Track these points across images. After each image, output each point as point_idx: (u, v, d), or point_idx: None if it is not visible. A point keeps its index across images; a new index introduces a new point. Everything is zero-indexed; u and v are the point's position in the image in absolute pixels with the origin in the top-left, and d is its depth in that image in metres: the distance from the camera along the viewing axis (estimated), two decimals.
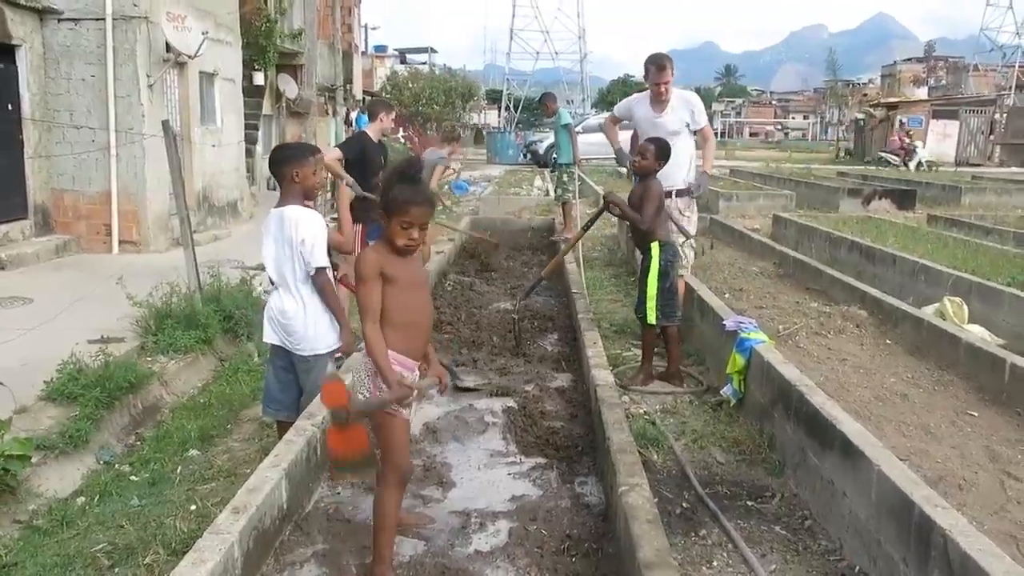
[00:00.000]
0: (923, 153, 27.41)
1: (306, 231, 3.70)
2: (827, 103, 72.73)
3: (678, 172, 5.77)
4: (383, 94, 35.10)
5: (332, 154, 6.33)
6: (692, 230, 5.92)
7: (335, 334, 3.87)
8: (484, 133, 42.48)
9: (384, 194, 2.81)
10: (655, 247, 5.02)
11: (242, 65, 13.46)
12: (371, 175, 6.64)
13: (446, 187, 18.18)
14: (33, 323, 6.12)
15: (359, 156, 6.42)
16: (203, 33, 10.66)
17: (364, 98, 28.72)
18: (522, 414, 4.55)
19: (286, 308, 3.77)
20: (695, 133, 5.99)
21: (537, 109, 56.28)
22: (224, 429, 4.91)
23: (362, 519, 3.39)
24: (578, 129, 11.58)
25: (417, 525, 3.32)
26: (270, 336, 3.87)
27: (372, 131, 6.69)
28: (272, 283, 3.92)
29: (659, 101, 5.83)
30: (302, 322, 3.77)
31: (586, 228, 5.91)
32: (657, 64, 5.69)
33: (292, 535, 3.22)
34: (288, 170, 3.76)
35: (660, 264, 5.01)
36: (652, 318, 5.03)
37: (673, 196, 5.72)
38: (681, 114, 5.83)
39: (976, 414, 4.36)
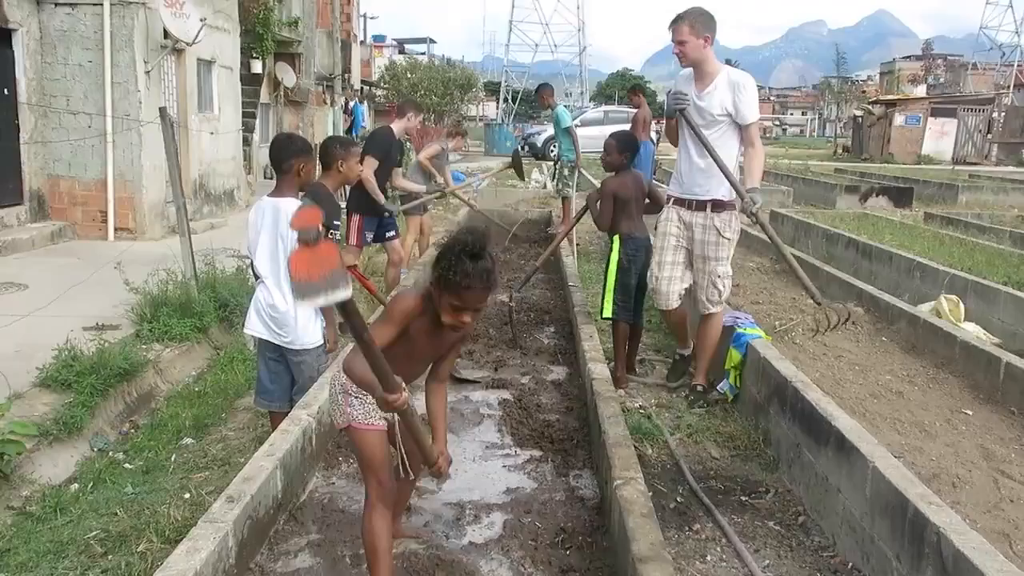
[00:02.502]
0: None
1: None
2: (825, 99, 72.80)
3: (715, 177, 4.46)
4: (381, 84, 35.04)
5: (369, 165, 6.24)
6: (727, 253, 4.61)
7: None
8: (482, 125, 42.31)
9: (439, 263, 2.40)
10: (616, 240, 5.00)
11: (240, 53, 13.39)
12: (387, 171, 6.70)
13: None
14: (27, 309, 6.09)
15: (387, 154, 6.49)
16: (201, 20, 10.60)
17: (362, 88, 28.64)
18: (518, 406, 4.55)
19: (276, 302, 3.74)
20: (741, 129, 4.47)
21: (534, 102, 56.33)
22: (219, 418, 4.90)
23: (356, 509, 3.38)
24: (576, 122, 11.56)
25: (415, 538, 3.14)
26: (257, 329, 3.84)
27: (397, 127, 6.75)
28: (256, 276, 3.89)
29: (700, 77, 4.46)
30: (292, 316, 3.76)
31: (576, 220, 5.88)
32: (674, 19, 4.40)
33: (286, 525, 3.22)
34: (296, 162, 3.74)
35: (619, 257, 4.96)
36: (607, 311, 5.02)
37: (708, 210, 4.50)
38: (723, 98, 4.39)
39: (971, 412, 4.37)
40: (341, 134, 20.40)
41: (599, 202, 5.06)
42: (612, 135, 5.15)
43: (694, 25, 4.30)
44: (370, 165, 6.27)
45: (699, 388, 4.74)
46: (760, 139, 4.61)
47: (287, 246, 3.68)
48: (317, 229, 2.07)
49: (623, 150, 5.02)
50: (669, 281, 4.70)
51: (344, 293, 1.98)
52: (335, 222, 4.21)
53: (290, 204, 3.69)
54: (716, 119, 4.41)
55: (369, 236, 6.63)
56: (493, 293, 2.44)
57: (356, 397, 2.62)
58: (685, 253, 4.67)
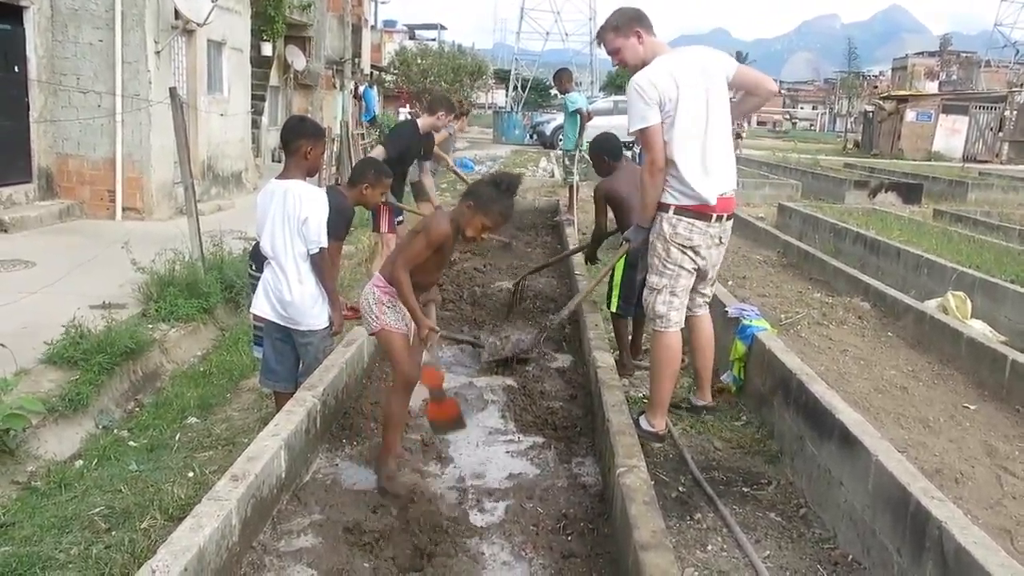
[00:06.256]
0: None
1: (309, 209, 3.67)
2: (837, 94, 72.44)
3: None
4: (391, 69, 34.95)
5: (376, 153, 6.29)
6: (651, 260, 3.97)
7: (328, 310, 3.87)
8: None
9: (481, 192, 3.29)
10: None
11: (250, 35, 13.37)
12: (406, 164, 6.64)
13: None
14: (35, 287, 6.12)
15: (401, 155, 6.39)
16: (212, 1, 10.58)
17: (372, 72, 28.58)
18: (522, 393, 4.56)
19: (282, 283, 3.74)
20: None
21: (544, 91, 56.09)
22: (223, 398, 4.93)
23: (359, 490, 3.40)
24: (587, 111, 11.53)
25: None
26: (264, 310, 3.83)
27: (423, 123, 6.68)
28: (254, 261, 3.89)
29: None
30: (300, 298, 3.75)
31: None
32: (596, 35, 4.11)
33: (290, 504, 3.23)
34: (303, 144, 3.73)
35: (628, 253, 4.95)
36: (613, 306, 5.04)
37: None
38: None
39: (975, 408, 4.37)
40: (350, 119, 20.34)
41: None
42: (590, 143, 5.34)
43: (618, 27, 3.86)
44: (378, 153, 6.33)
45: (683, 405, 4.38)
46: (650, 153, 3.73)
47: (294, 228, 3.68)
48: (442, 389, 3.37)
49: (594, 155, 5.24)
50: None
51: (463, 428, 3.69)
52: (339, 231, 4.15)
53: (298, 187, 3.70)
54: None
55: (395, 221, 6.66)
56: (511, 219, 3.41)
57: (389, 307, 3.43)
58: None
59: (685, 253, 3.85)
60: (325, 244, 3.74)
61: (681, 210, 3.78)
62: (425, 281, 3.47)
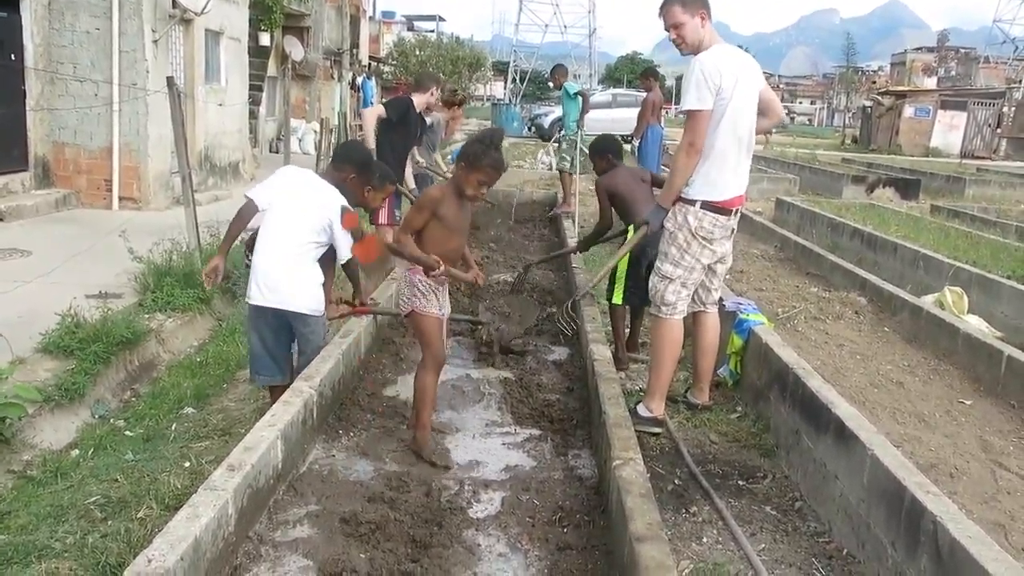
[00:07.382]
0: None
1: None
2: (835, 89, 72.41)
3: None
4: (389, 60, 34.88)
5: (374, 110, 6.39)
6: (667, 247, 4.04)
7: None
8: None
9: (469, 152, 3.51)
10: (631, 229, 5.03)
11: (248, 25, 13.31)
12: (409, 140, 6.68)
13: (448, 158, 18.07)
14: (31, 276, 6.10)
15: (403, 118, 6.45)
16: None
17: (370, 63, 28.51)
18: (518, 385, 4.56)
19: (283, 266, 3.73)
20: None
21: (542, 83, 56.03)
22: (219, 388, 4.91)
23: (355, 481, 3.41)
24: None
25: (441, 431, 3.95)
26: (257, 298, 3.79)
27: (418, 101, 6.69)
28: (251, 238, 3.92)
29: None
30: (297, 281, 3.75)
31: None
32: (662, 3, 3.92)
33: (286, 495, 3.24)
34: (347, 171, 4.01)
35: (632, 248, 4.94)
36: (618, 298, 5.04)
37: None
38: None
39: (971, 404, 4.38)
40: (348, 110, 20.30)
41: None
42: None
43: (685, 3, 3.76)
44: (373, 111, 6.45)
45: (680, 400, 4.43)
46: (692, 135, 3.72)
47: (321, 220, 3.75)
48: (361, 230, 3.60)
49: (596, 155, 5.36)
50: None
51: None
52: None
53: (323, 186, 3.86)
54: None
55: (397, 214, 6.68)
56: (503, 172, 3.66)
57: (421, 291, 3.64)
58: None
59: (705, 247, 3.94)
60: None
61: (708, 205, 3.86)
62: (442, 251, 3.60)
